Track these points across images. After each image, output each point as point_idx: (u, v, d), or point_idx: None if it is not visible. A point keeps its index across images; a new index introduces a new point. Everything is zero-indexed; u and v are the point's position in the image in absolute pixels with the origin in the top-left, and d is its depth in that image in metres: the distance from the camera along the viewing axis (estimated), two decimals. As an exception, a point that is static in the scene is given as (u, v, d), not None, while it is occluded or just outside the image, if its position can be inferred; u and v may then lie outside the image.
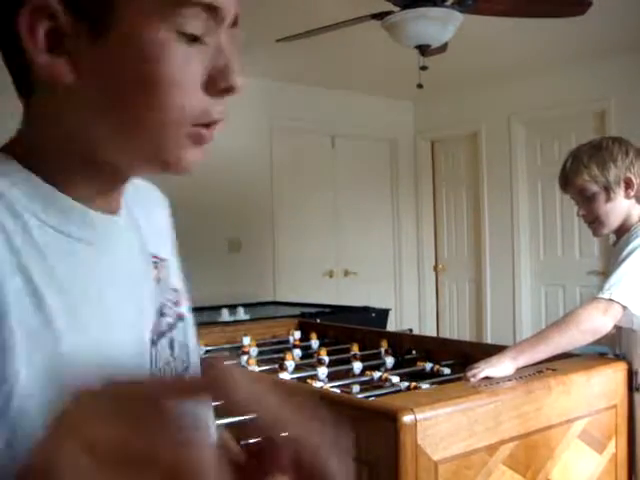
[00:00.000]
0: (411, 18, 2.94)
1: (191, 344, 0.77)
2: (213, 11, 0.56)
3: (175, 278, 0.79)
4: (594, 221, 1.91)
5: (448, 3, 2.96)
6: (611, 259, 1.94)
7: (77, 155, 0.59)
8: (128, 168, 0.61)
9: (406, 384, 1.74)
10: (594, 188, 1.86)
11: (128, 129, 0.57)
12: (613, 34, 4.39)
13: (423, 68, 3.24)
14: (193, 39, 0.56)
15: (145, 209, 0.75)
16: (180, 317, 0.74)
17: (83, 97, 0.56)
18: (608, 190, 1.84)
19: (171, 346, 0.70)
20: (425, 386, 1.72)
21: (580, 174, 1.86)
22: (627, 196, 1.85)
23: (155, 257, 0.72)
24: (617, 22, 4.12)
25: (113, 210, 0.64)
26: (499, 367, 1.62)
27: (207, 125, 0.60)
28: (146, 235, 0.71)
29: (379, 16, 3.04)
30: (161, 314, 0.69)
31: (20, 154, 0.58)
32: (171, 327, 0.71)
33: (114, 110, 0.56)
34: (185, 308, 0.79)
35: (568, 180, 1.91)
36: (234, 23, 0.61)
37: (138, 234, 0.70)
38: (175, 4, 0.54)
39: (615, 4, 3.74)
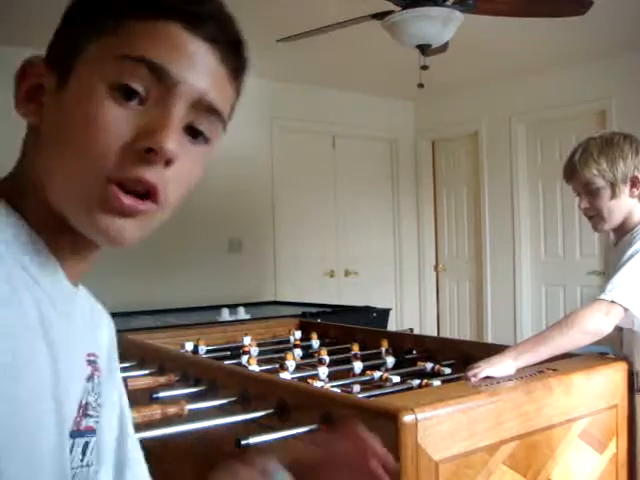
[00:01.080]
0: (412, 18, 2.93)
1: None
2: (159, 72, 0.58)
3: (117, 395, 0.75)
4: (595, 216, 1.90)
5: (449, 3, 2.96)
6: (611, 259, 1.94)
7: (43, 196, 0.61)
8: (72, 222, 0.61)
9: (417, 381, 1.74)
10: (600, 183, 1.84)
11: (58, 170, 0.59)
12: (613, 34, 4.39)
13: (424, 68, 3.24)
14: (129, 96, 0.58)
15: (89, 314, 0.74)
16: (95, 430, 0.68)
17: (42, 138, 0.61)
18: (614, 186, 1.83)
19: (84, 451, 0.65)
20: (437, 383, 1.72)
21: (589, 167, 1.84)
22: (632, 195, 1.84)
23: (91, 355, 0.69)
24: (617, 22, 4.12)
25: (75, 281, 0.66)
26: (500, 367, 1.61)
27: (130, 191, 0.58)
28: (84, 331, 0.69)
29: (379, 16, 3.03)
30: (84, 414, 0.65)
31: (11, 192, 0.61)
32: (91, 432, 0.66)
33: (52, 151, 0.60)
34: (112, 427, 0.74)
35: (575, 171, 1.88)
36: (209, 108, 0.63)
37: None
38: (117, 57, 0.58)
39: (615, 4, 3.74)
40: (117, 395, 0.76)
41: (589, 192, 1.87)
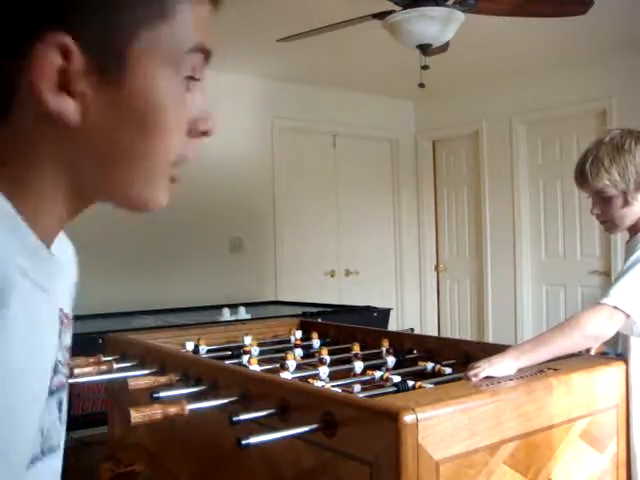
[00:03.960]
0: (412, 17, 2.94)
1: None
2: (208, 55, 0.59)
3: (69, 338, 0.70)
4: (607, 222, 1.89)
5: (449, 2, 2.96)
6: (625, 256, 1.90)
7: (60, 187, 0.57)
8: (104, 202, 0.61)
9: (412, 383, 1.74)
10: (612, 192, 1.82)
11: (122, 172, 0.58)
12: (613, 34, 4.39)
13: (424, 67, 3.24)
14: (191, 83, 0.59)
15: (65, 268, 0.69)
16: (67, 378, 0.67)
17: (84, 137, 0.55)
18: (626, 194, 1.81)
19: (59, 408, 0.64)
20: (429, 386, 1.72)
21: (600, 178, 1.81)
22: None
23: (61, 311, 0.65)
24: (617, 22, 4.12)
25: (52, 240, 0.61)
26: (501, 367, 1.61)
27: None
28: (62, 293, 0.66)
29: (380, 15, 3.04)
30: (54, 371, 0.62)
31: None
32: (61, 387, 0.64)
33: (112, 154, 0.57)
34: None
35: (586, 180, 1.86)
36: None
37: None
38: (184, 52, 0.57)
39: (615, 4, 3.74)
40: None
41: (601, 199, 1.86)
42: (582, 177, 1.87)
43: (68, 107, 0.53)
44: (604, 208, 1.86)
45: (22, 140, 0.55)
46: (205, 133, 0.61)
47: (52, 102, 0.53)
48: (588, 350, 1.87)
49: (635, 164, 1.79)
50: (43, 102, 0.52)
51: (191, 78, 0.58)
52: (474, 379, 1.57)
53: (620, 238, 4.90)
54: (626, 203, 1.82)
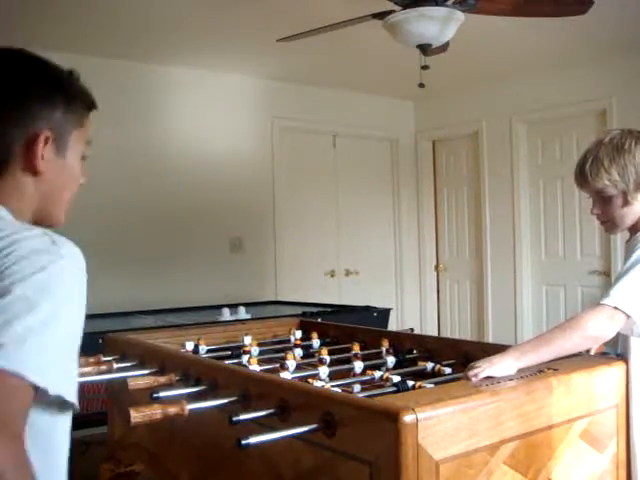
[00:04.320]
0: (412, 17, 2.93)
1: None
2: (89, 145, 1.15)
3: None
4: (607, 221, 1.90)
5: (449, 2, 2.96)
6: (625, 256, 1.90)
7: (28, 214, 1.07)
8: (43, 218, 1.10)
9: (412, 383, 1.74)
10: (612, 192, 1.82)
11: (53, 206, 1.10)
12: (613, 34, 4.39)
13: (424, 67, 3.24)
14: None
15: None
16: None
17: (42, 182, 1.06)
18: (626, 194, 1.81)
19: None
20: (429, 386, 1.72)
21: (600, 178, 1.82)
22: None
23: None
24: (617, 22, 4.12)
25: None
26: (501, 366, 1.60)
27: None
28: None
29: (380, 15, 3.03)
30: None
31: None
32: None
33: (54, 191, 1.09)
34: None
35: (586, 180, 1.86)
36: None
37: None
38: (85, 141, 1.12)
39: (615, 4, 3.74)
40: None
41: (601, 200, 1.87)
42: (582, 177, 1.88)
43: (41, 166, 1.04)
44: (604, 208, 1.87)
45: (12, 185, 1.04)
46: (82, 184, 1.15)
47: (38, 164, 1.03)
48: (588, 350, 1.87)
49: (635, 164, 1.79)
50: (34, 164, 1.03)
51: (83, 157, 1.13)
52: (474, 379, 1.57)
53: (620, 238, 4.90)
54: (626, 203, 1.82)
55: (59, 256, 0.91)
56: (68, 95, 1.08)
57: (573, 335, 1.68)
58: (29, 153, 1.02)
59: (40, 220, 1.08)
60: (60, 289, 0.90)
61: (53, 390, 0.84)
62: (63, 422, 0.95)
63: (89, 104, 1.13)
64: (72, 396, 0.88)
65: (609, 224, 1.90)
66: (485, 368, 1.59)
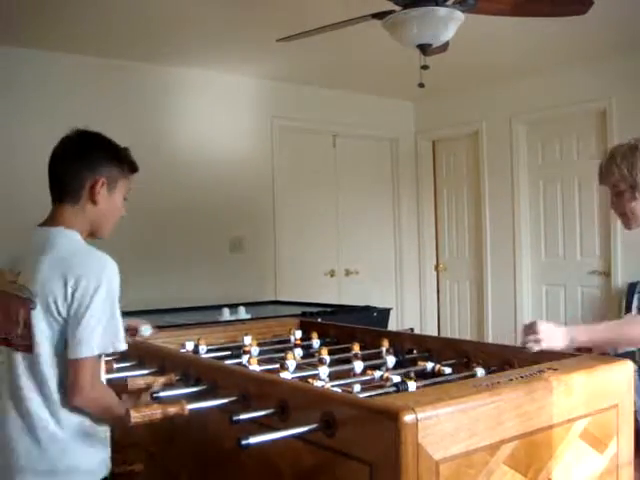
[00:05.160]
0: (412, 17, 2.93)
1: None
2: (128, 192, 1.85)
3: None
4: (623, 215, 2.05)
5: (449, 2, 2.96)
6: None
7: (88, 229, 1.76)
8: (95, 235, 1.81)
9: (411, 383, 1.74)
10: (622, 186, 1.99)
11: (104, 225, 1.78)
12: (613, 34, 4.39)
13: (424, 67, 3.24)
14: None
15: None
16: None
17: (98, 210, 1.74)
18: (634, 190, 1.97)
19: None
20: (415, 384, 1.72)
21: (612, 172, 2.01)
22: None
23: None
24: (617, 22, 4.12)
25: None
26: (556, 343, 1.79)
27: None
28: None
29: (380, 15, 3.03)
30: None
31: (71, 227, 1.71)
32: None
33: (104, 217, 1.77)
34: None
35: (601, 175, 2.06)
36: None
37: None
38: (127, 192, 1.82)
39: (615, 4, 3.74)
40: None
41: (614, 194, 2.04)
42: (600, 173, 2.08)
43: (99, 198, 1.72)
44: (617, 202, 2.04)
45: (80, 210, 1.72)
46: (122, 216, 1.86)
47: (96, 197, 1.75)
48: (589, 350, 1.90)
49: None
50: (94, 197, 1.72)
51: (124, 199, 1.81)
52: (536, 347, 1.77)
53: (620, 239, 4.90)
54: (633, 198, 1.98)
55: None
56: (120, 161, 1.77)
57: (625, 336, 1.87)
58: (92, 190, 1.71)
59: (94, 234, 1.77)
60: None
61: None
62: None
63: (132, 168, 1.81)
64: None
65: (624, 218, 2.05)
66: (542, 340, 1.78)
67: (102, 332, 1.60)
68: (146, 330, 2.25)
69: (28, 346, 1.59)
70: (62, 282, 1.57)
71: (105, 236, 1.79)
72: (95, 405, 1.60)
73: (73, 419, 1.60)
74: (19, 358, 1.61)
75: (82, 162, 1.70)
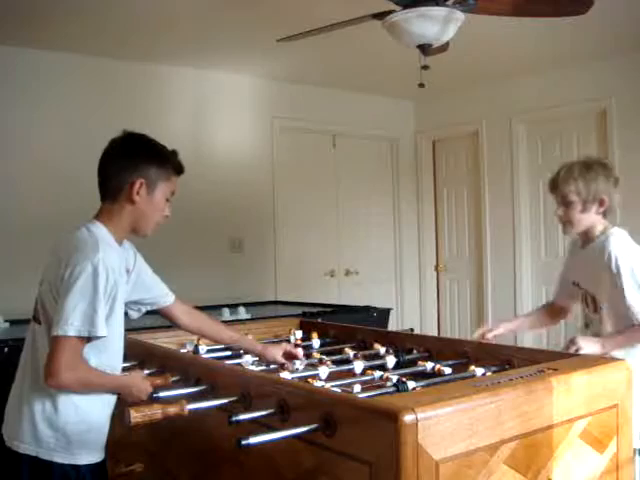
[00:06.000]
0: (412, 17, 2.93)
1: None
2: (173, 194, 1.93)
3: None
4: (566, 222, 2.37)
5: (449, 2, 2.96)
6: (578, 260, 2.45)
7: (125, 226, 1.86)
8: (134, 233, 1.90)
9: (411, 383, 1.74)
10: (575, 198, 2.31)
11: (142, 224, 1.87)
12: (613, 34, 4.39)
13: (424, 67, 3.23)
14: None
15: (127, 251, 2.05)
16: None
17: (136, 208, 1.83)
18: (585, 203, 2.30)
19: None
20: (414, 384, 1.72)
21: (568, 184, 2.32)
22: (597, 212, 2.31)
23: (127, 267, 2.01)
24: (617, 22, 4.12)
25: (122, 242, 1.93)
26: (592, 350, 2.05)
27: None
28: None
29: (380, 16, 3.03)
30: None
31: (105, 223, 1.84)
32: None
33: (144, 215, 1.85)
34: None
35: (557, 186, 2.37)
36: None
37: None
38: (170, 194, 1.90)
39: (615, 4, 3.74)
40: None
41: (565, 203, 2.35)
42: (554, 183, 2.39)
43: (137, 198, 1.82)
44: (566, 211, 2.35)
45: (118, 208, 1.84)
46: (167, 217, 1.91)
47: (134, 197, 1.81)
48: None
49: (597, 181, 2.28)
50: (132, 197, 1.81)
51: (167, 200, 1.89)
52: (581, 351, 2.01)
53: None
54: (584, 210, 2.30)
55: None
56: (162, 163, 1.85)
57: None
58: (131, 190, 1.80)
59: (134, 231, 1.87)
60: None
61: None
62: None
63: (177, 170, 1.89)
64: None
65: (567, 224, 2.37)
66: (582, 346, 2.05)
67: (80, 316, 1.62)
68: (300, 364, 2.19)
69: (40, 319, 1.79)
70: (58, 264, 1.71)
71: (146, 235, 1.88)
72: (77, 385, 1.67)
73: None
74: (39, 330, 1.78)
75: (123, 163, 1.81)
